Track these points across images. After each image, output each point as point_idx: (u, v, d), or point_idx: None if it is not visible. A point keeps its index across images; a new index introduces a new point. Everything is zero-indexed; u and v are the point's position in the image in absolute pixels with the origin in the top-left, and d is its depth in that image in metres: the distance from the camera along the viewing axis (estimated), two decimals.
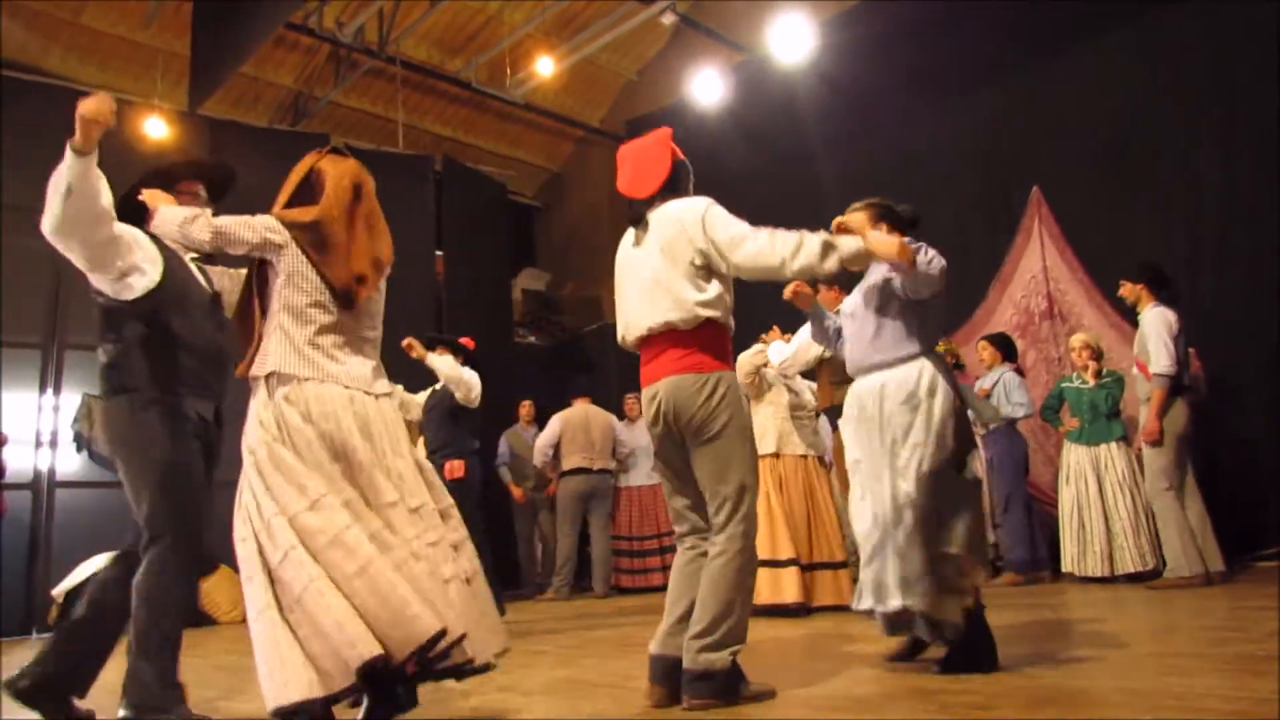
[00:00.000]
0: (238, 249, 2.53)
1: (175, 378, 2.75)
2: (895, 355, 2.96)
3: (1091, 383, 5.81)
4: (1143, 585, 5.13)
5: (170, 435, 2.70)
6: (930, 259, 2.89)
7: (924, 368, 2.91)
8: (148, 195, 2.74)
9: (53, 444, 7.66)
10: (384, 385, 2.65)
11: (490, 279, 10.50)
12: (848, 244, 2.73)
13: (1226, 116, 6.16)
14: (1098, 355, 5.87)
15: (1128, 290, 5.32)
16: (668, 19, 8.95)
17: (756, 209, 9.34)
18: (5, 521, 6.83)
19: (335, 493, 2.36)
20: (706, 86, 8.91)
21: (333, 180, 2.64)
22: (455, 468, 5.24)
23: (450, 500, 2.63)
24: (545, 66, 9.55)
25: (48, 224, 2.52)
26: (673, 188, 2.89)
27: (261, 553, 2.31)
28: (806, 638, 4.03)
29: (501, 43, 9.94)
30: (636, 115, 10.97)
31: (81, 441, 7.72)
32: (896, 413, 2.88)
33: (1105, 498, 5.60)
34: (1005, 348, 6.40)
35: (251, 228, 2.52)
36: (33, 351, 7.62)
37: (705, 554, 2.70)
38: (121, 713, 2.58)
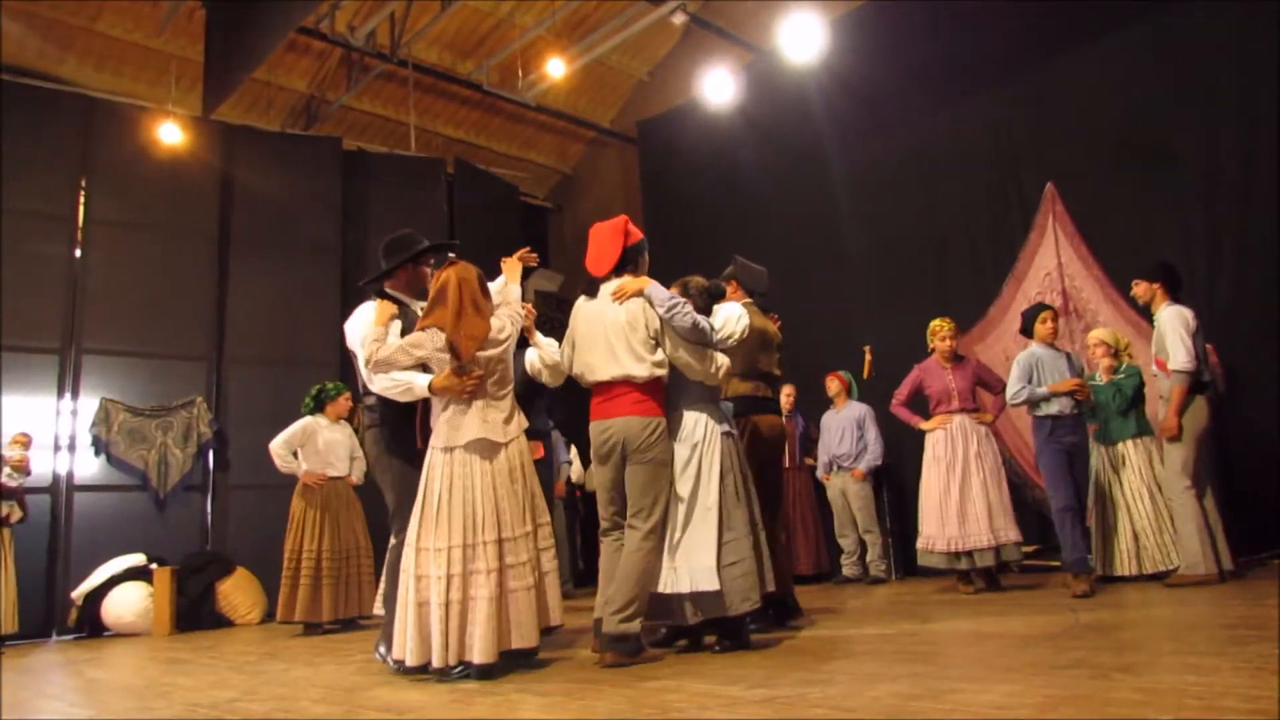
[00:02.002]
0: (399, 368, 3.55)
1: (411, 415, 3.76)
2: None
3: (1103, 379, 5.75)
4: (1161, 583, 5.10)
5: (404, 455, 3.81)
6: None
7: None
8: (379, 306, 3.77)
9: (71, 448, 7.73)
10: (498, 434, 3.56)
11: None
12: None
13: (1242, 111, 6.11)
14: (1114, 352, 5.80)
15: (1142, 289, 5.26)
16: (678, 19, 8.93)
17: (767, 207, 9.28)
18: (25, 525, 6.88)
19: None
20: (717, 86, 8.90)
21: (434, 288, 3.54)
22: (534, 449, 5.21)
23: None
24: (556, 68, 9.56)
25: (371, 381, 3.68)
26: (622, 267, 3.81)
27: None
28: (803, 637, 4.02)
29: (512, 45, 9.97)
30: (647, 116, 10.98)
31: (100, 445, 7.79)
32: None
33: (1125, 496, 5.55)
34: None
35: (407, 353, 3.50)
36: (50, 357, 7.69)
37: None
38: (379, 649, 3.95)
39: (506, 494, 3.50)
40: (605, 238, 3.88)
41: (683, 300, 3.68)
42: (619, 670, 3.39)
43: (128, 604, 7.00)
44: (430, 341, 3.50)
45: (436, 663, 3.32)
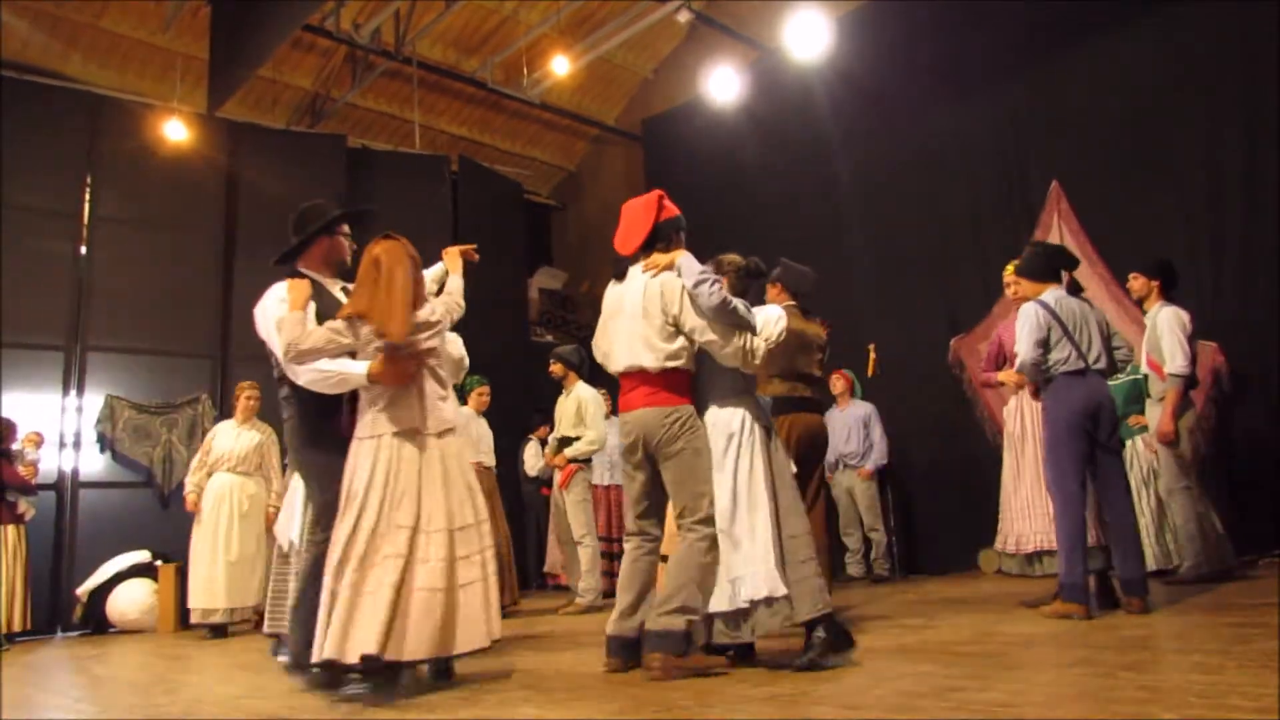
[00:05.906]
0: (327, 357, 3.20)
1: (334, 404, 3.36)
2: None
3: None
4: (1161, 582, 5.09)
5: (330, 448, 3.33)
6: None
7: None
8: (292, 287, 3.36)
9: (76, 445, 7.75)
10: (433, 424, 3.28)
11: (506, 278, 10.53)
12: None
13: (1247, 108, 6.10)
14: None
15: (1139, 284, 5.23)
16: (683, 17, 8.93)
17: (772, 206, 9.27)
18: (30, 522, 6.90)
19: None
20: (722, 84, 8.89)
21: (363, 267, 3.30)
22: None
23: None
24: (560, 66, 9.56)
25: (295, 373, 3.26)
26: (651, 245, 3.45)
27: None
28: None
29: (517, 42, 9.97)
30: (652, 114, 10.98)
31: (104, 442, 7.81)
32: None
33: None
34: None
35: (331, 340, 3.17)
36: (55, 353, 7.70)
37: (650, 552, 3.40)
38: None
39: (454, 482, 3.25)
40: (636, 213, 3.53)
41: (714, 277, 3.30)
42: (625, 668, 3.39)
43: (132, 601, 7.01)
44: (352, 329, 3.23)
45: (388, 655, 2.95)
